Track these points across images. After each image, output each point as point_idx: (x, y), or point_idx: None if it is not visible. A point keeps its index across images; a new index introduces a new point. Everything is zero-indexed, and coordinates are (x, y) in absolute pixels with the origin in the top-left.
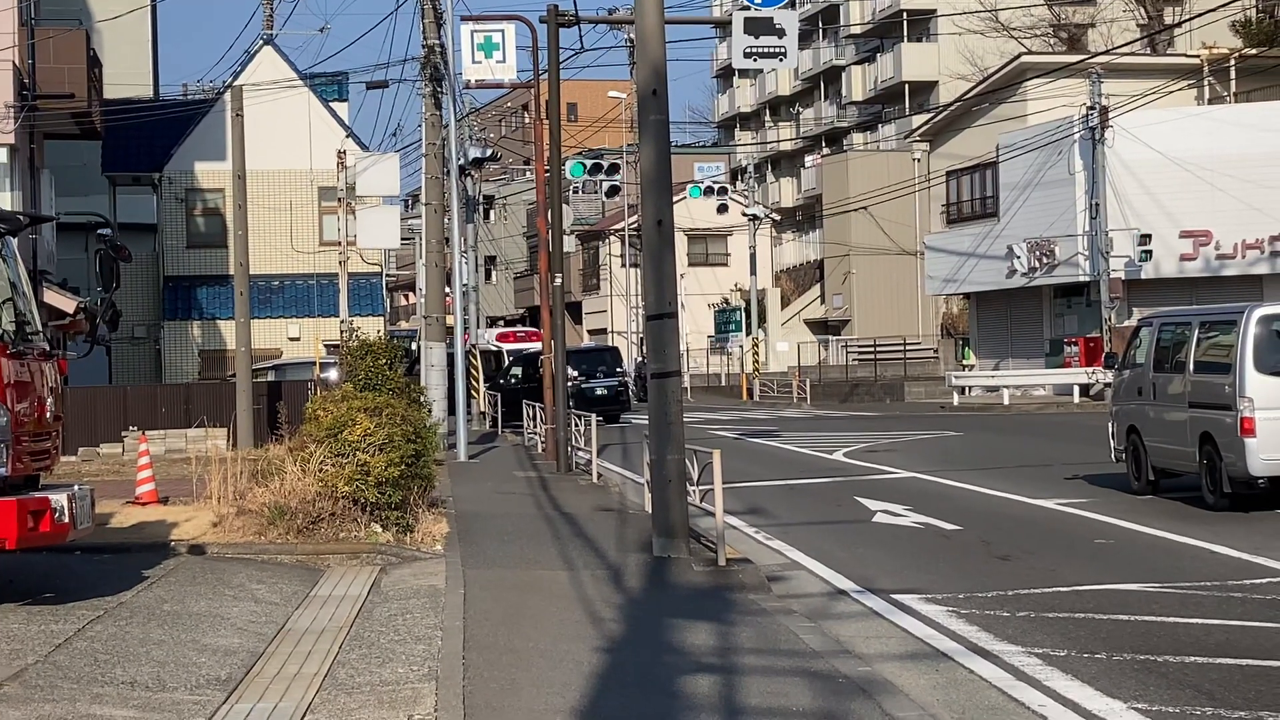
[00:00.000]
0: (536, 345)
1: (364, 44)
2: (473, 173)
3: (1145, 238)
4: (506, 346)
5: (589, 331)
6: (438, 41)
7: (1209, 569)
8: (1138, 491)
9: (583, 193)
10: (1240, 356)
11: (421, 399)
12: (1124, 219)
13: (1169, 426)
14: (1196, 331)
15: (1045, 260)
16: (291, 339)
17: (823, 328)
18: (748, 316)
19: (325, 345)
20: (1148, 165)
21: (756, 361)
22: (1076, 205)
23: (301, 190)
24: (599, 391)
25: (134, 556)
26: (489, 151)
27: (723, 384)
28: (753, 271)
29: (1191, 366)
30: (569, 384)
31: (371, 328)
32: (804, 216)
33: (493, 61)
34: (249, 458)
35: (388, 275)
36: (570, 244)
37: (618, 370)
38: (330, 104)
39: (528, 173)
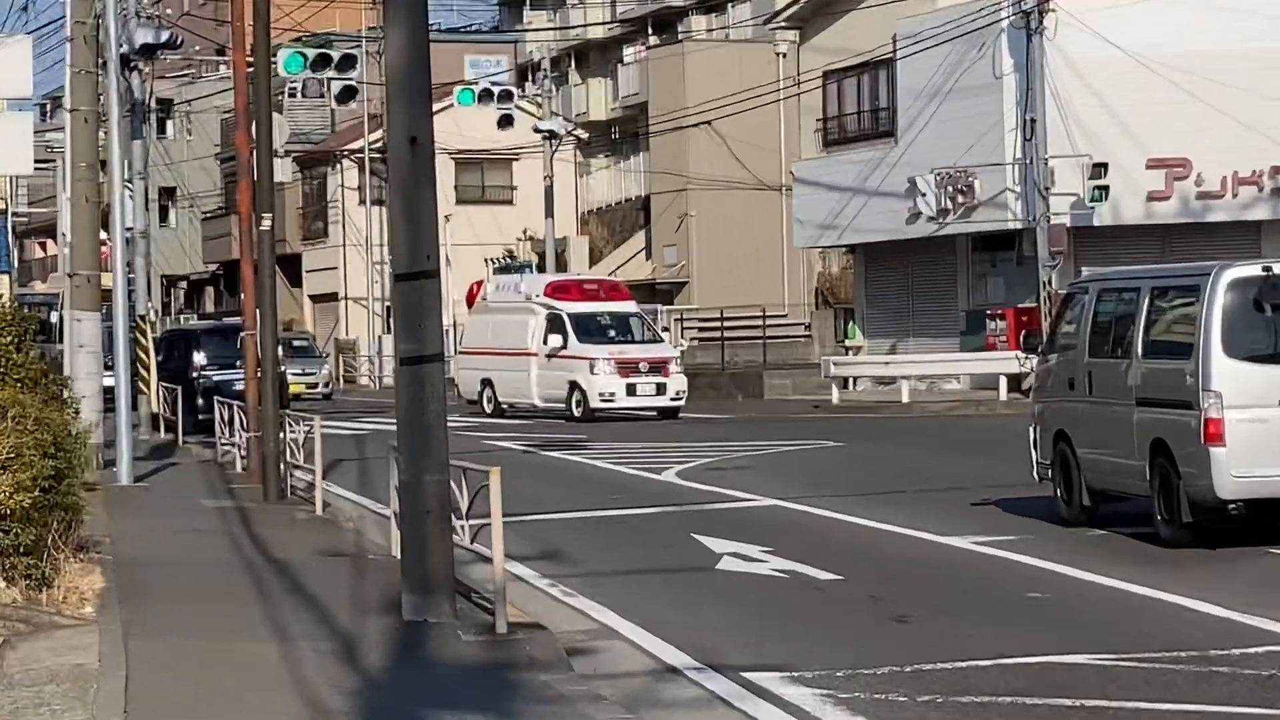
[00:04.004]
0: (626, 306)
1: None
2: (141, 66)
3: (1100, 168)
4: (569, 308)
5: (312, 297)
6: None
7: (1182, 633)
8: (1069, 521)
9: (303, 96)
10: (1204, 335)
11: (66, 394)
12: (1070, 142)
13: (1110, 432)
14: (1147, 301)
15: (961, 199)
16: None
17: (650, 293)
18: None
19: None
20: (1103, 66)
21: None
22: (1004, 122)
23: None
24: (240, 385)
25: None
26: (166, 36)
27: None
28: (549, 212)
29: (1140, 349)
30: (196, 377)
31: None
32: (623, 134)
33: None
34: None
35: (15, 215)
36: (285, 171)
37: None
38: None
39: (222, 67)
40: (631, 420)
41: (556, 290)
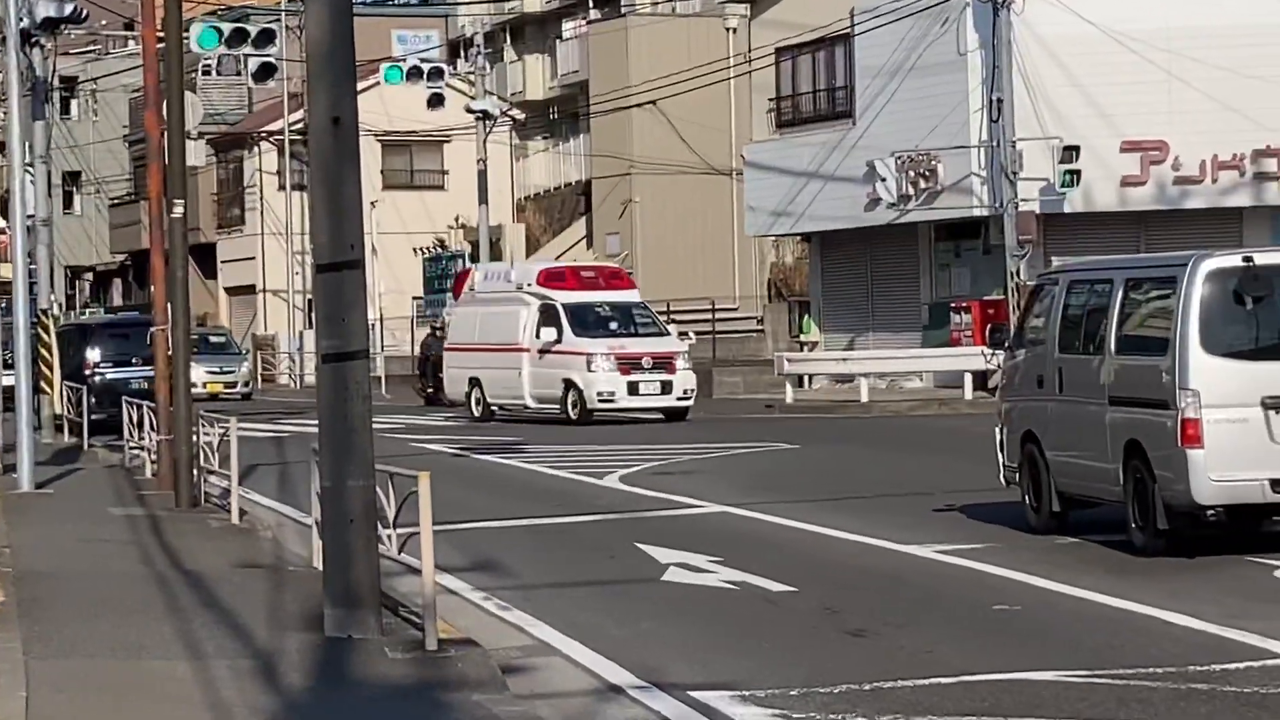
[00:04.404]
0: (628, 295)
1: None
2: (44, 41)
3: (1071, 151)
4: (564, 297)
5: (228, 289)
6: None
7: (1158, 648)
8: (1038, 528)
9: (218, 74)
10: (1181, 330)
11: None
12: (1040, 123)
13: (1081, 433)
14: (1120, 293)
15: (923, 184)
16: None
17: None
18: None
19: None
20: (1074, 43)
21: None
22: (969, 102)
23: None
24: (136, 384)
25: None
26: (70, 9)
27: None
28: (483, 199)
29: (1113, 345)
30: (92, 374)
31: None
32: (562, 114)
33: None
34: None
35: None
36: (199, 154)
37: None
38: None
39: (130, 43)
40: (633, 423)
41: (551, 278)
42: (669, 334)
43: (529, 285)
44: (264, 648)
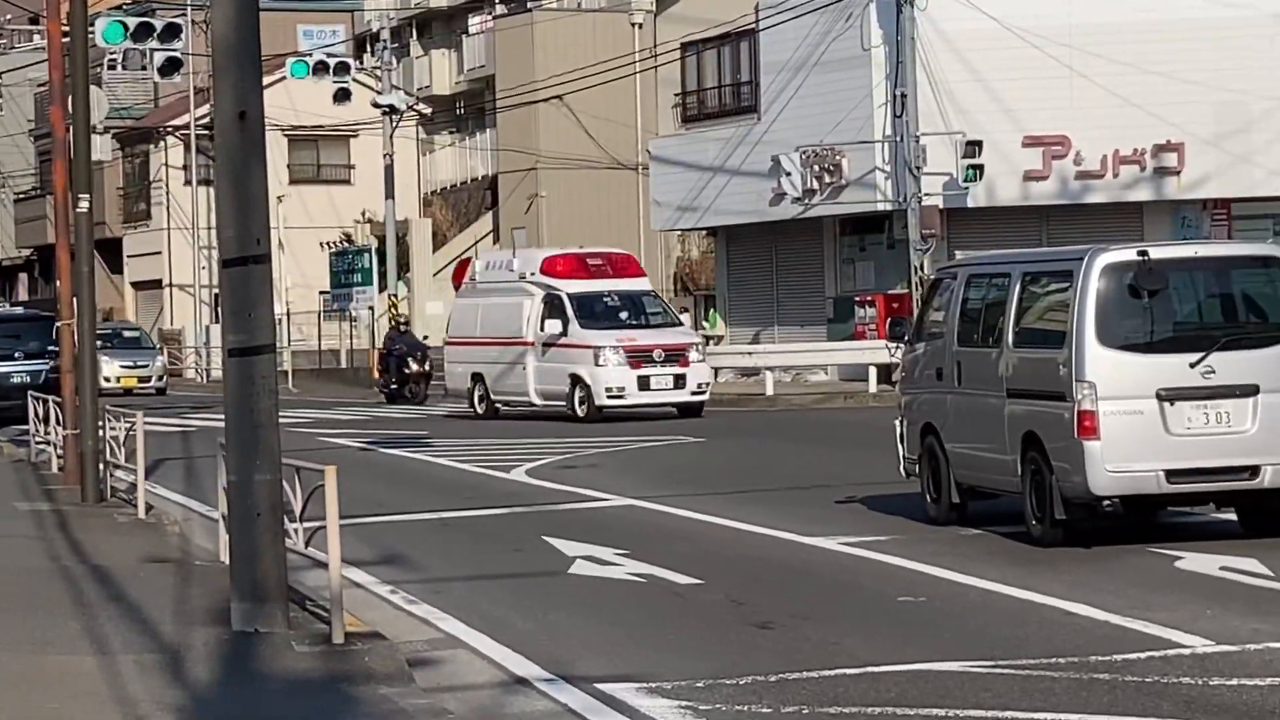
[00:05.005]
0: (638, 284)
1: None
2: None
3: (974, 146)
4: (569, 287)
5: (134, 284)
6: None
7: (1062, 638)
8: (938, 519)
9: (124, 68)
10: (1078, 323)
11: None
12: (943, 118)
13: (979, 425)
14: (1018, 287)
15: (828, 179)
16: None
17: None
18: (381, 261)
19: None
20: (978, 39)
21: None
22: (873, 97)
23: None
24: (17, 379)
25: None
26: None
27: (343, 365)
28: (389, 193)
29: (1011, 338)
30: None
31: None
32: (468, 109)
33: None
34: None
35: None
36: (105, 148)
37: (50, 350)
38: None
39: (36, 37)
40: (645, 419)
41: (555, 266)
42: (682, 324)
43: (532, 274)
44: (171, 642)
